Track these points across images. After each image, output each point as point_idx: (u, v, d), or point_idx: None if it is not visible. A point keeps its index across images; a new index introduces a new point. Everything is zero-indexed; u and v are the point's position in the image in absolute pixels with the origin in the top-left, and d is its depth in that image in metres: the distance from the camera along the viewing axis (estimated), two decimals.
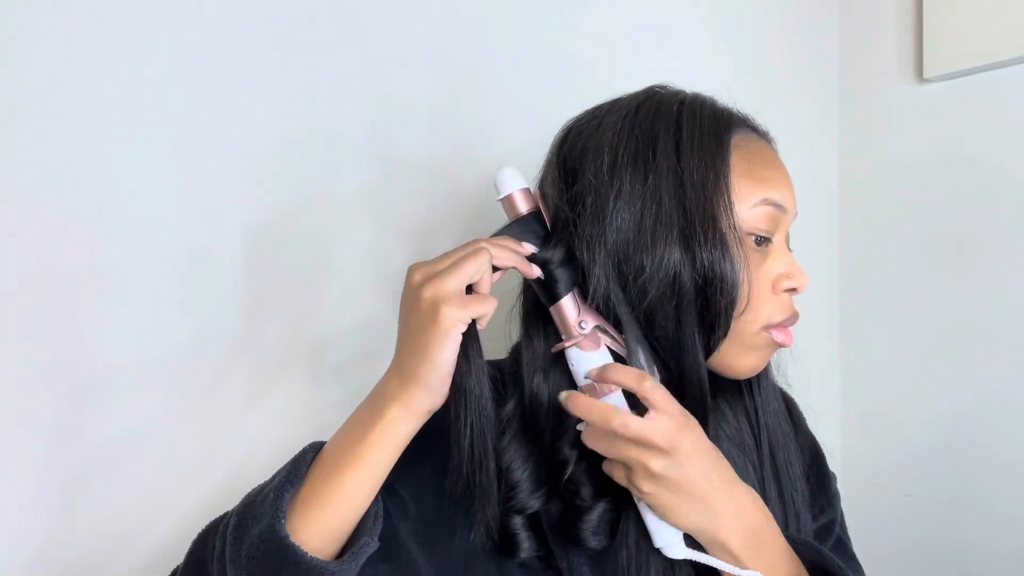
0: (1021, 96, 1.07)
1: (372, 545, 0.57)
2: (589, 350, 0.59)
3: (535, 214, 0.61)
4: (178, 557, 0.62)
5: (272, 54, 0.80)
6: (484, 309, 0.56)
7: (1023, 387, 1.07)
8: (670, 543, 0.58)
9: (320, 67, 0.83)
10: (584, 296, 0.60)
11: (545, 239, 0.61)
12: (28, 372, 0.70)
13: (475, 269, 0.55)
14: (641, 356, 0.59)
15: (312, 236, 0.84)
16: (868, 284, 1.25)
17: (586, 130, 0.63)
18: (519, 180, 0.62)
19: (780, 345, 0.62)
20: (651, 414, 0.55)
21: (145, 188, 0.74)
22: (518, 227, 0.61)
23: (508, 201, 0.62)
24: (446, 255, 0.57)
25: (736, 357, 0.61)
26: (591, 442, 0.58)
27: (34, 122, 0.70)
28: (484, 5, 0.93)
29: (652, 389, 0.56)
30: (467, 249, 0.56)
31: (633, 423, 0.55)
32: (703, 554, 0.58)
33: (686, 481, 0.55)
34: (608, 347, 0.60)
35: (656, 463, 0.55)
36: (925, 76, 1.15)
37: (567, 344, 0.59)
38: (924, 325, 1.17)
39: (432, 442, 0.63)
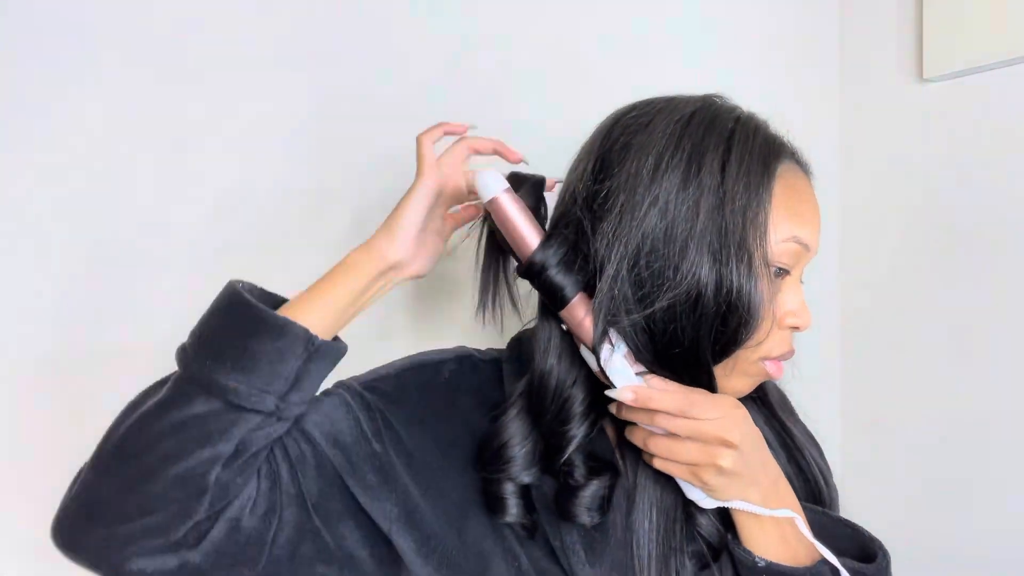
0: (1021, 96, 1.06)
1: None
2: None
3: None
4: None
5: (280, 56, 0.80)
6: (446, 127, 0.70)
7: (1023, 387, 1.07)
8: (702, 496, 0.61)
9: (330, 70, 0.83)
10: (590, 295, 0.60)
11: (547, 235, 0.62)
12: (26, 377, 0.70)
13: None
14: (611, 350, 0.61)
15: (323, 240, 0.84)
16: (868, 284, 1.25)
17: (634, 125, 0.62)
18: (502, 181, 0.63)
19: (770, 377, 0.64)
20: (715, 415, 0.58)
21: (148, 192, 0.74)
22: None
23: (495, 205, 0.62)
24: None
25: (725, 379, 0.62)
26: (657, 448, 0.60)
27: (36, 128, 0.70)
28: (498, 9, 0.93)
29: (702, 402, 0.58)
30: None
31: (708, 427, 0.58)
32: (737, 501, 0.60)
33: (747, 469, 0.59)
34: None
35: (727, 460, 0.58)
36: (925, 76, 1.14)
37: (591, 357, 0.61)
38: (924, 326, 1.17)
39: (432, 397, 0.67)
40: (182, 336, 0.77)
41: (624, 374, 0.60)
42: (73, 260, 0.72)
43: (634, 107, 0.64)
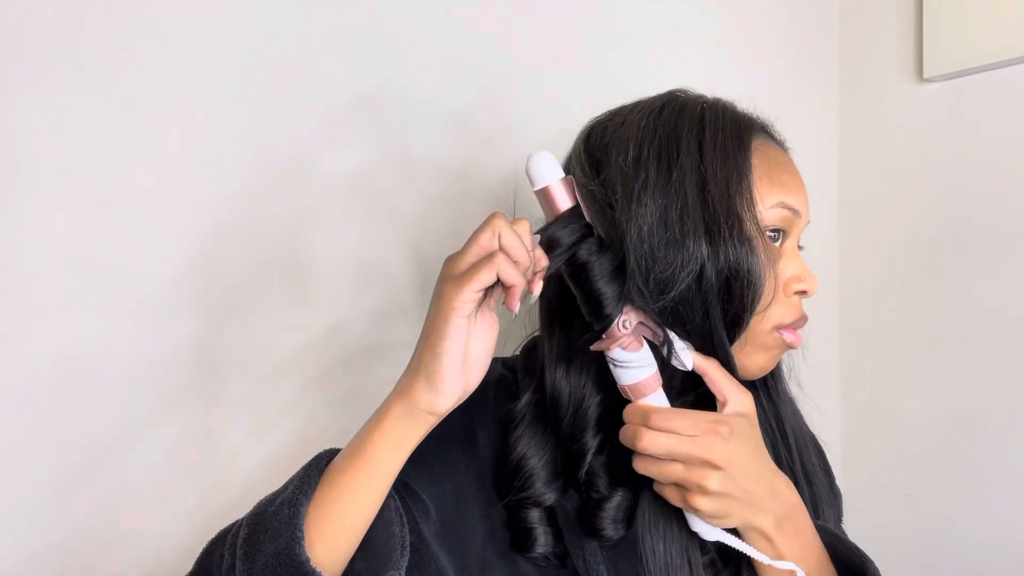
0: (1021, 96, 1.07)
1: None
2: (633, 350, 0.59)
3: (575, 210, 0.59)
4: (167, 557, 0.61)
5: (293, 57, 0.80)
6: (481, 276, 0.52)
7: (1023, 387, 1.07)
8: (706, 528, 0.59)
9: (341, 70, 0.83)
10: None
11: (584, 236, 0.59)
12: (24, 374, 0.70)
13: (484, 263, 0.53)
14: (681, 345, 0.59)
15: (338, 240, 0.84)
16: (868, 284, 1.25)
17: (610, 126, 0.64)
18: (557, 168, 0.59)
19: (789, 346, 0.63)
20: (693, 431, 0.56)
21: (154, 190, 0.74)
22: (559, 226, 0.59)
23: (545, 193, 0.59)
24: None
25: (747, 356, 0.63)
26: (643, 468, 0.58)
27: (30, 127, 0.70)
28: (505, 6, 0.94)
29: (677, 416, 0.57)
30: (480, 245, 0.55)
31: (687, 445, 0.56)
32: (738, 539, 0.59)
33: (738, 490, 0.57)
34: (646, 339, 0.60)
35: (712, 482, 0.56)
36: (925, 76, 1.14)
37: (611, 344, 0.59)
38: (924, 324, 1.17)
39: (447, 442, 0.63)
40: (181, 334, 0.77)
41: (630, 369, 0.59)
42: (72, 258, 0.72)
43: (605, 114, 0.67)
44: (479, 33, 0.92)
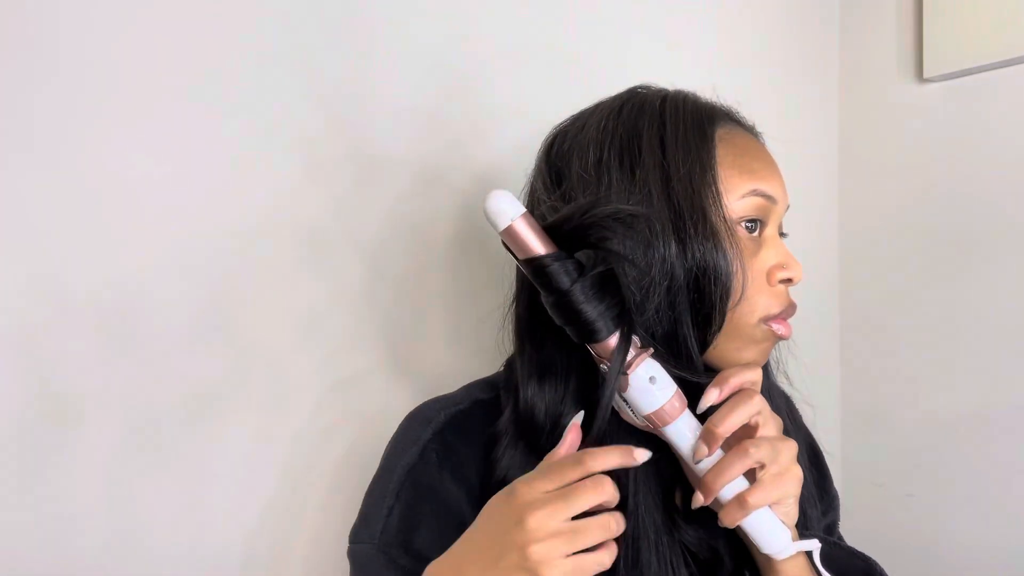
0: (1021, 96, 1.07)
1: None
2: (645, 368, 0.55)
3: (542, 241, 0.54)
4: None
5: (259, 55, 0.79)
6: (583, 536, 0.50)
7: (1023, 387, 1.07)
8: (783, 542, 0.56)
9: (309, 68, 0.82)
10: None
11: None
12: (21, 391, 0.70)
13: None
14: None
15: (303, 238, 0.83)
16: (868, 283, 1.25)
17: (571, 131, 0.63)
18: (516, 204, 0.54)
19: (780, 338, 0.61)
20: (776, 430, 0.57)
21: (140, 192, 0.74)
22: (527, 265, 0.55)
23: (509, 233, 0.54)
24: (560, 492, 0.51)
25: (736, 351, 0.60)
26: (755, 499, 0.55)
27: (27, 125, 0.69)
28: (475, 4, 0.93)
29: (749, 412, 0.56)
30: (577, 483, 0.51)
31: (784, 448, 0.56)
32: (806, 540, 0.57)
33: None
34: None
35: (792, 452, 0.56)
36: (925, 76, 1.15)
37: (632, 368, 0.54)
38: (924, 324, 1.17)
39: (432, 494, 0.62)
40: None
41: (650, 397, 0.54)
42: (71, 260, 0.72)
43: (567, 120, 0.65)
44: (449, 31, 0.90)
